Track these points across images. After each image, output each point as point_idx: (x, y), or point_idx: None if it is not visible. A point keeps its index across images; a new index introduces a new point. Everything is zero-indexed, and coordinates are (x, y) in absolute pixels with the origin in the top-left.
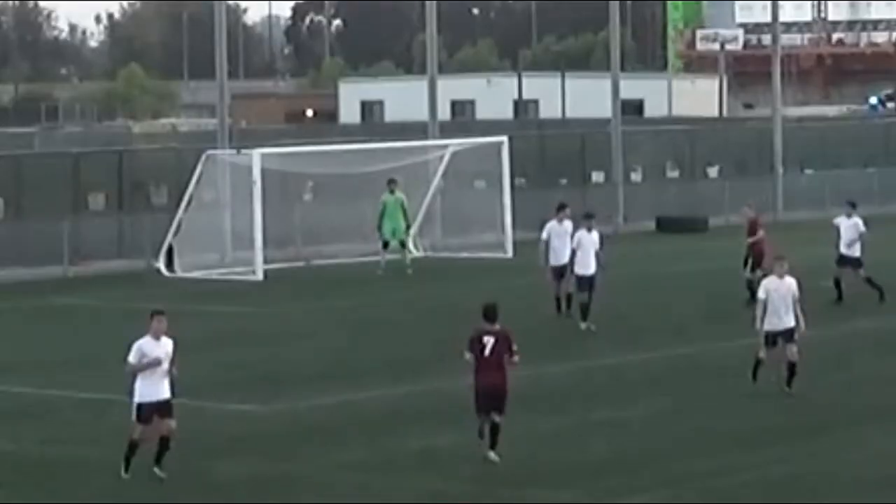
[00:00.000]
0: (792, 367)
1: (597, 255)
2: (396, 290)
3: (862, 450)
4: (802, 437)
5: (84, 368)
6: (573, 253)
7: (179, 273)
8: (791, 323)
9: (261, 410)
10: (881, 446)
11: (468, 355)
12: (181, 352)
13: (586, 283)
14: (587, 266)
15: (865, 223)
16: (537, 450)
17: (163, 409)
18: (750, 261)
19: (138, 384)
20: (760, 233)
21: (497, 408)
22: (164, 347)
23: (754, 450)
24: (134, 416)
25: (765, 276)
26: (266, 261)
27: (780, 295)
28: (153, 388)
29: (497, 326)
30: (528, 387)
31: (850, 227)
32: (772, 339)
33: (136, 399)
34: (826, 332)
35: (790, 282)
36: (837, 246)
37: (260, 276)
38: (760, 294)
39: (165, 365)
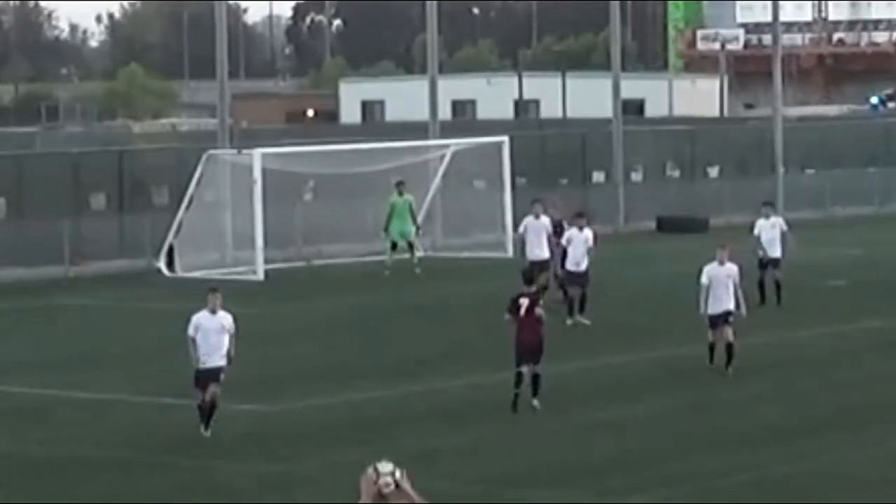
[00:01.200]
0: (729, 348)
1: (588, 251)
2: (397, 290)
3: (863, 450)
4: (803, 437)
5: (84, 368)
6: (564, 250)
7: (180, 273)
8: (730, 306)
9: (261, 410)
10: (882, 446)
11: (507, 316)
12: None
13: (576, 279)
14: (577, 263)
15: (787, 223)
16: (537, 450)
17: (214, 375)
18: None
19: (195, 353)
20: None
21: (535, 360)
22: (219, 321)
23: (755, 450)
24: (193, 382)
25: None
26: (267, 261)
27: (720, 280)
28: (208, 358)
29: (533, 289)
30: (528, 387)
31: (769, 227)
32: (713, 321)
33: (195, 366)
34: (826, 331)
35: (731, 267)
36: (757, 249)
37: (261, 275)
38: (703, 280)
39: (223, 337)
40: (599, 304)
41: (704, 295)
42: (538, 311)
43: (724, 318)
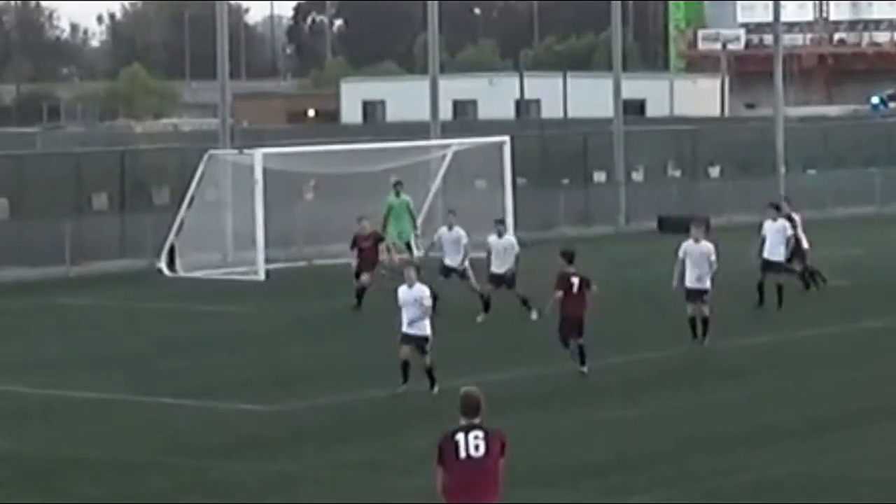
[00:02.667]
0: (705, 323)
1: (516, 257)
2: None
3: (863, 450)
4: (803, 437)
5: (85, 368)
6: (488, 254)
7: (181, 273)
8: (706, 285)
9: (261, 410)
10: (882, 446)
11: (559, 293)
12: (181, 352)
13: (496, 279)
14: (498, 266)
15: (794, 226)
16: (537, 450)
17: (419, 343)
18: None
19: (403, 317)
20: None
21: (579, 332)
22: (414, 293)
23: (755, 450)
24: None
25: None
26: (268, 260)
27: (694, 257)
28: (409, 327)
29: (576, 268)
30: (528, 387)
31: (775, 230)
32: (689, 295)
33: (401, 328)
34: (827, 331)
35: (706, 245)
36: (761, 251)
37: (262, 275)
38: (679, 254)
39: (419, 309)
40: (600, 304)
41: (679, 268)
42: (590, 288)
43: (699, 295)
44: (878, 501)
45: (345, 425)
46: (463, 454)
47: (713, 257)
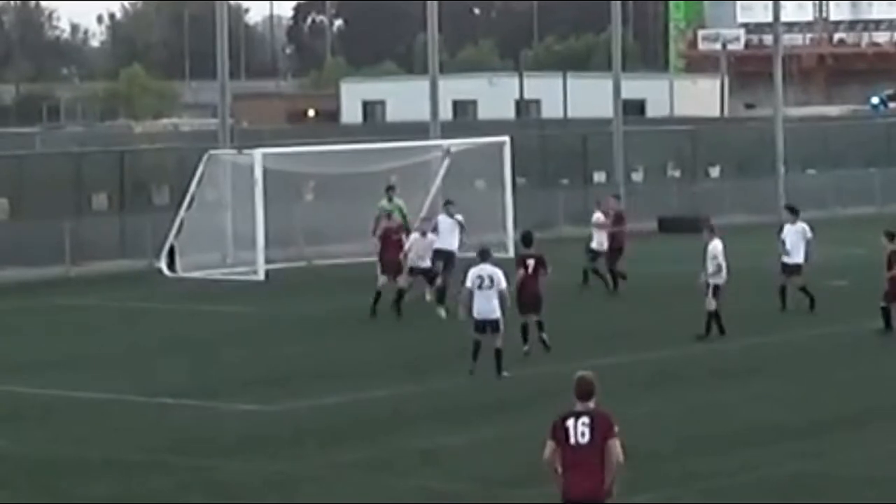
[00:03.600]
0: (711, 316)
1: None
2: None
3: (863, 450)
4: (803, 437)
5: (84, 368)
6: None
7: (181, 273)
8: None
9: (261, 410)
10: (883, 446)
11: (520, 272)
12: (181, 352)
13: (441, 256)
14: (444, 243)
15: (812, 229)
16: (538, 450)
17: (492, 325)
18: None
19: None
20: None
21: (537, 309)
22: (486, 270)
23: (755, 450)
24: (472, 329)
25: None
26: (268, 261)
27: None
28: (482, 307)
29: (533, 250)
30: (528, 386)
31: (794, 233)
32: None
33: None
34: (827, 331)
35: (716, 243)
36: (781, 255)
37: (261, 276)
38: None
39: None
40: (600, 304)
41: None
42: (545, 268)
43: (712, 289)
44: (878, 501)
45: (345, 425)
46: (572, 440)
47: (718, 258)
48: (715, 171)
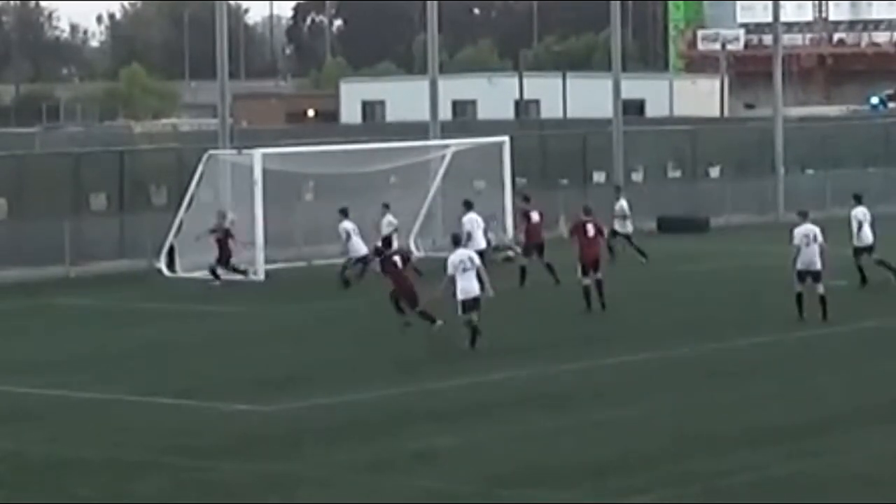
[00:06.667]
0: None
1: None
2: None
3: (865, 450)
4: (803, 437)
5: (84, 368)
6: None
7: (181, 273)
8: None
9: (261, 410)
10: (883, 446)
11: (574, 238)
12: (181, 352)
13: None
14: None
15: (823, 232)
16: (537, 450)
17: (476, 301)
18: None
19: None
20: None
21: (597, 268)
22: (465, 254)
23: (755, 450)
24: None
25: None
26: (267, 261)
27: None
28: (468, 287)
29: (592, 217)
30: (528, 387)
31: (803, 237)
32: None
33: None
34: (827, 331)
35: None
36: (795, 261)
37: (261, 276)
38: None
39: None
40: (599, 305)
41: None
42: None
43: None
44: (878, 501)
45: (345, 425)
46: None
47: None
48: (715, 171)
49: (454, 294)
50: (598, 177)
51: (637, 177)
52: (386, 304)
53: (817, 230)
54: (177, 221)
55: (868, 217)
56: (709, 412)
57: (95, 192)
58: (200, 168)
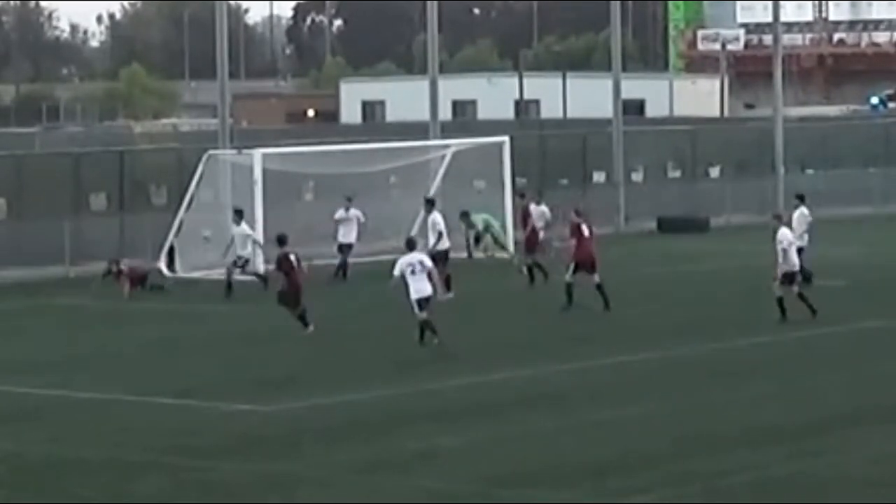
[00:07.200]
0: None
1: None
2: (397, 290)
3: (865, 450)
4: (803, 437)
5: (85, 368)
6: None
7: (181, 273)
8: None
9: (261, 410)
10: (883, 446)
11: (573, 240)
12: (181, 352)
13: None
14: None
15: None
16: (537, 450)
17: (427, 301)
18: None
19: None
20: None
21: (594, 270)
22: (416, 257)
23: (755, 450)
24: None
25: None
26: (267, 261)
27: None
28: (420, 287)
29: (584, 217)
30: (528, 387)
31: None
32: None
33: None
34: (827, 331)
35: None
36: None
37: None
38: None
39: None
40: (600, 304)
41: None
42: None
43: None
44: (878, 501)
45: (345, 425)
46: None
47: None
48: (715, 171)
49: (407, 295)
50: (598, 177)
51: (637, 177)
52: (386, 304)
53: (787, 232)
54: (177, 221)
55: (803, 228)
56: (709, 412)
57: (95, 192)
58: (200, 168)
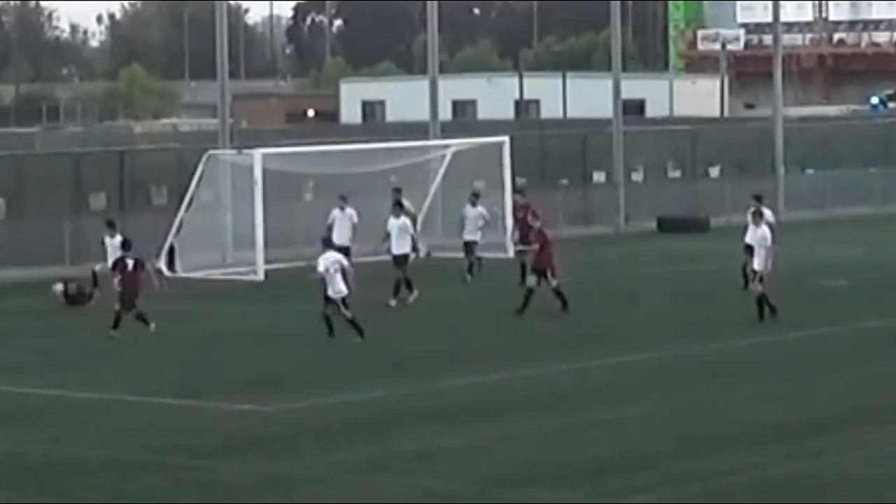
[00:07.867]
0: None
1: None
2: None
3: (865, 450)
4: (803, 437)
5: (84, 368)
6: (388, 236)
7: (181, 273)
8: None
9: (261, 410)
10: (883, 446)
11: (538, 245)
12: (181, 352)
13: (400, 259)
14: (399, 246)
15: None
16: (537, 450)
17: (344, 300)
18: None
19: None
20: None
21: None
22: (334, 256)
23: (755, 450)
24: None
25: None
26: (267, 261)
27: None
28: (336, 286)
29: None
30: (528, 387)
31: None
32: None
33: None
34: (826, 331)
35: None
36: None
37: (261, 276)
38: None
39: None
40: (600, 304)
41: None
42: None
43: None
44: (878, 501)
45: (344, 425)
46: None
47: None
48: (715, 171)
49: (325, 291)
50: (598, 177)
51: (637, 177)
52: (386, 304)
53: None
54: (177, 221)
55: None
56: (709, 412)
57: (95, 192)
58: (200, 168)
